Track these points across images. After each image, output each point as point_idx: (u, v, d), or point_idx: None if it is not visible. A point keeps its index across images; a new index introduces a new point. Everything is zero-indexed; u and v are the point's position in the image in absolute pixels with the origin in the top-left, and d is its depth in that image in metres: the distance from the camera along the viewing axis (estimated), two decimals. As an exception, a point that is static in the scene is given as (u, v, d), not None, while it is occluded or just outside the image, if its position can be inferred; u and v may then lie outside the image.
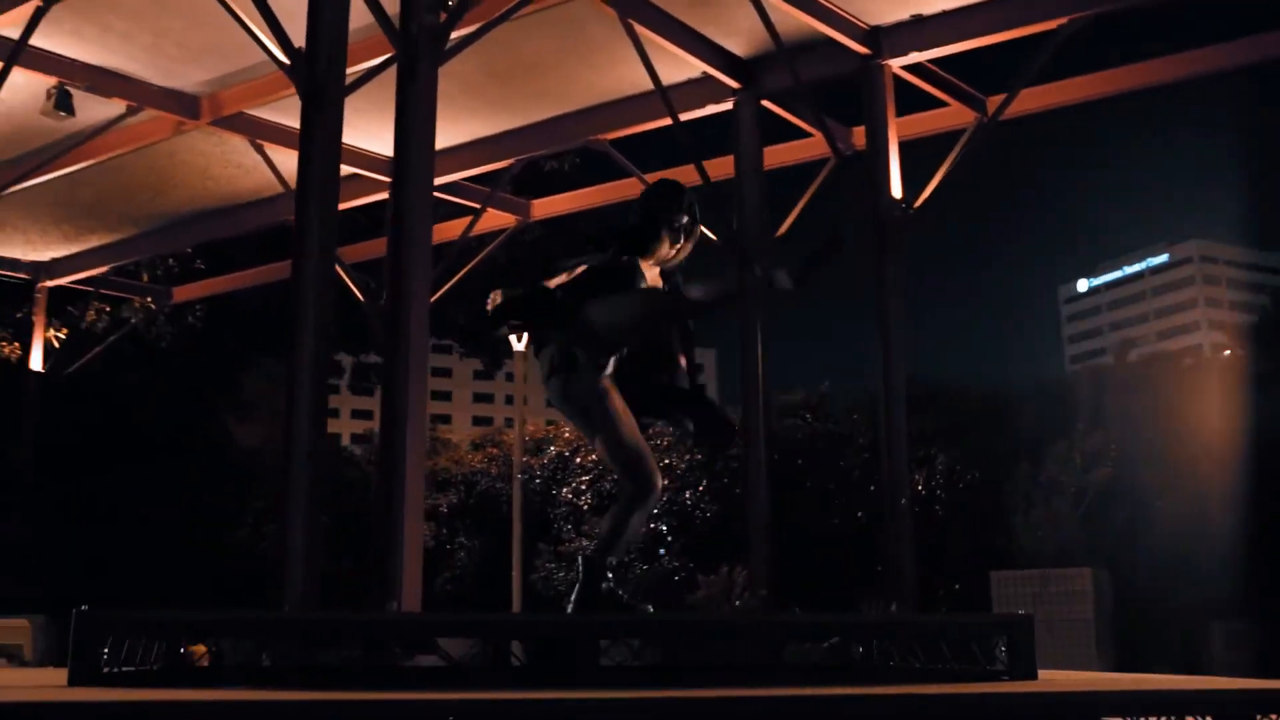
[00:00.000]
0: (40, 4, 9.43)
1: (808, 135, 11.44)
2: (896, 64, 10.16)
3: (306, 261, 7.01)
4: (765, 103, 10.96)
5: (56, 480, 16.07)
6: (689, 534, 10.46)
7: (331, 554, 13.02)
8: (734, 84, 10.82)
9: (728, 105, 11.05)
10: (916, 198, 10.03)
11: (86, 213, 14.16)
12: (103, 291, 16.57)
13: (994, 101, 10.77)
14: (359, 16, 7.60)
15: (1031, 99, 10.67)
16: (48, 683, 3.67)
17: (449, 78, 10.92)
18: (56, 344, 16.08)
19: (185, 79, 11.06)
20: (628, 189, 13.06)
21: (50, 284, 15.87)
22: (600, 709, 2.82)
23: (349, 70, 7.60)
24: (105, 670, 3.36)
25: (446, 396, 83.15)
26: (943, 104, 10.87)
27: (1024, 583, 11.37)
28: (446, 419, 71.97)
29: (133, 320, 16.97)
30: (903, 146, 10.26)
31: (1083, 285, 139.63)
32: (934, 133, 11.16)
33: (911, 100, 10.70)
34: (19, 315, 16.18)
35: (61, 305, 16.47)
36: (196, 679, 3.79)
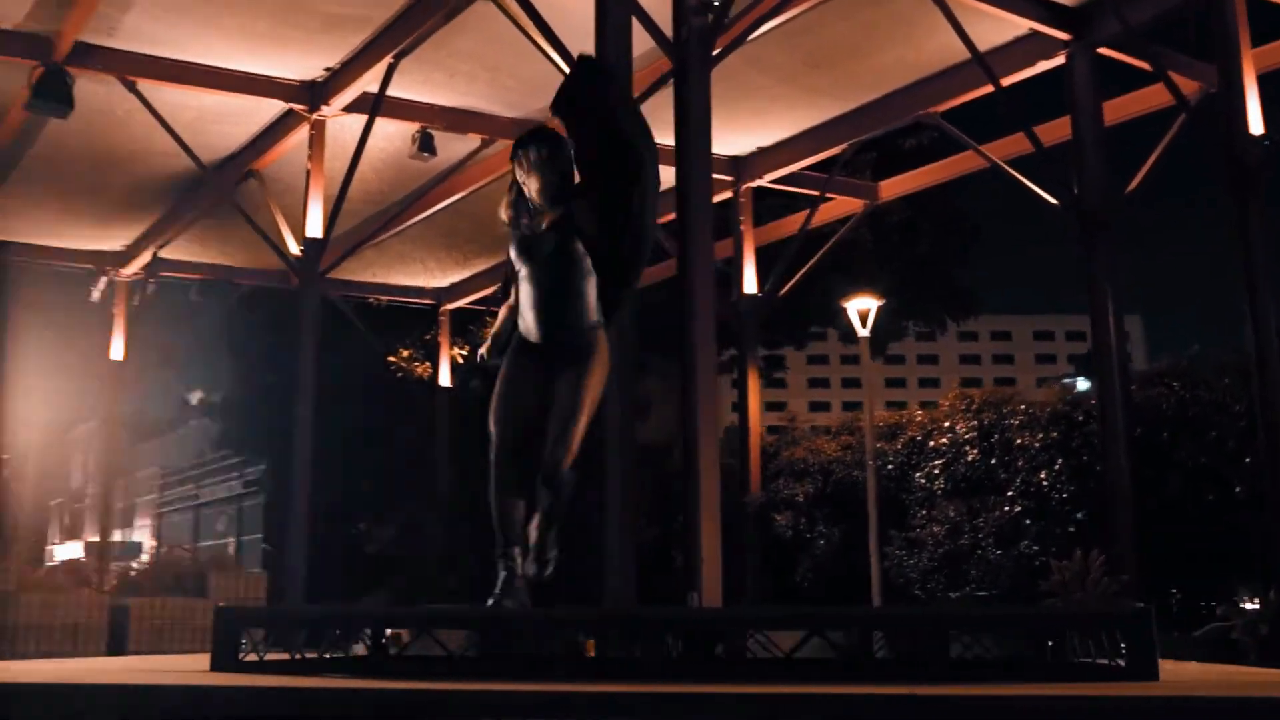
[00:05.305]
0: (391, 60, 10.51)
1: (1152, 83, 10.47)
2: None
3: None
4: (1103, 50, 10.23)
5: (465, 483, 17.65)
6: (1046, 518, 9.88)
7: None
8: (1064, 36, 10.16)
9: (1060, 60, 10.41)
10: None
11: (469, 240, 15.51)
12: (494, 309, 18.02)
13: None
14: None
15: None
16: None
17: (766, 71, 11.10)
18: (460, 360, 17.69)
19: (526, 108, 11.85)
20: (975, 160, 12.50)
21: (450, 306, 17.53)
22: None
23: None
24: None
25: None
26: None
27: None
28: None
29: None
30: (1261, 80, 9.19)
31: None
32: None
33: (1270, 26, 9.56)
34: (427, 337, 17.96)
35: (464, 325, 18.08)
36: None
